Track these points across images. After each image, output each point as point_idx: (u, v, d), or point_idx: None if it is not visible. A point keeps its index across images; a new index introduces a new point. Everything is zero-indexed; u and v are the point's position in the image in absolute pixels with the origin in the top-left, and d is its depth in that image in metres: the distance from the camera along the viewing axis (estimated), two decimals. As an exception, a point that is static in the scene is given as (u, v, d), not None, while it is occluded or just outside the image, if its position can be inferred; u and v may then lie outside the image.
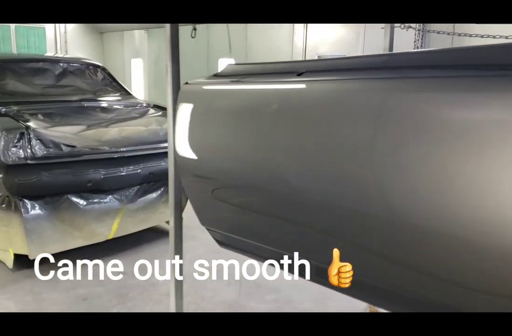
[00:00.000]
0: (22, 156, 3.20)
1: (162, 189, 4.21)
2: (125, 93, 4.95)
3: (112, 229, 3.92)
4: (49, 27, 8.16)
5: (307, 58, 4.93)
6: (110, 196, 3.83)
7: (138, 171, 3.80)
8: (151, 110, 4.40)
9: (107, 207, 3.83)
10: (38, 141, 3.29)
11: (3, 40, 7.77)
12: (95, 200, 3.77)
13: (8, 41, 7.81)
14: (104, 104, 4.34)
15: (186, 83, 1.81)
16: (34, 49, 8.09)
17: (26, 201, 3.44)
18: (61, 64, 4.75)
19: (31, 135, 3.25)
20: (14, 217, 3.52)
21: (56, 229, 3.61)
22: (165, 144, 3.94)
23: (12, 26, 7.65)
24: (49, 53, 8.17)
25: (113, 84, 4.98)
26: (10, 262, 3.61)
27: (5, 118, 3.48)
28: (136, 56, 7.84)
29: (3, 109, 3.72)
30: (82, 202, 3.71)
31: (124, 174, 3.72)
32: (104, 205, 3.82)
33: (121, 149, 3.66)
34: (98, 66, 5.06)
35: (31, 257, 3.53)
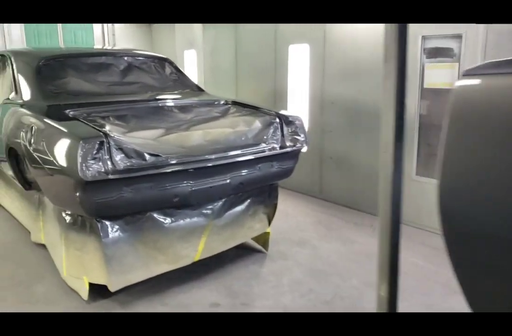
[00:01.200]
0: (103, 170, 2.63)
1: (249, 200, 3.61)
2: (196, 88, 4.35)
3: (198, 250, 3.34)
4: (96, 20, 7.65)
5: (412, 39, 4.22)
6: (195, 211, 3.26)
7: (228, 181, 3.20)
8: (232, 108, 3.79)
9: (193, 224, 3.26)
10: (119, 151, 2.72)
11: (50, 35, 7.34)
12: (180, 217, 3.20)
13: (55, 36, 7.38)
14: (179, 103, 3.74)
15: (468, 74, 1.10)
16: (81, 43, 7.62)
17: (105, 222, 2.90)
18: (125, 58, 4.18)
19: (111, 144, 2.68)
20: (90, 241, 2.97)
21: (138, 253, 3.06)
22: (254, 149, 3.33)
23: (59, 20, 7.16)
24: (100, 45, 7.69)
25: (182, 79, 4.39)
26: (85, 292, 3.07)
27: (76, 123, 2.92)
28: (189, 47, 7.25)
29: (71, 112, 3.17)
30: (166, 219, 3.15)
31: (213, 185, 3.13)
32: (189, 221, 3.25)
33: (211, 156, 3.05)
34: (164, 59, 4.47)
35: (112, 289, 2.98)
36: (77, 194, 2.68)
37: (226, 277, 3.53)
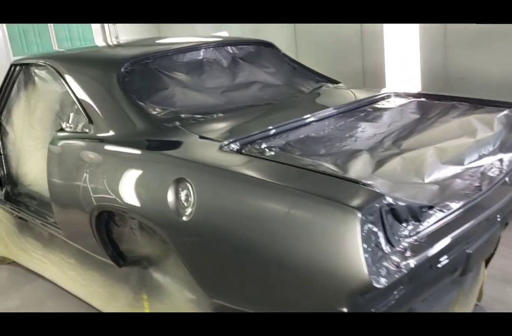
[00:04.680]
0: (393, 264, 1.38)
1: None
2: (325, 80, 3.03)
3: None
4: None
5: None
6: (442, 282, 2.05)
7: (498, 224, 1.98)
8: (422, 102, 2.53)
9: (444, 303, 2.09)
10: (390, 214, 1.47)
11: (39, 33, 5.94)
12: (432, 297, 2.00)
13: (46, 34, 5.96)
14: (347, 108, 2.43)
15: None
16: (79, 40, 6.20)
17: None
18: (228, 48, 2.83)
19: (382, 208, 1.41)
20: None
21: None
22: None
23: (49, 15, 5.70)
24: (101, 40, 6.26)
25: (300, 70, 3.07)
26: None
27: (304, 173, 1.61)
28: (218, 30, 5.87)
29: (231, 146, 1.85)
30: (424, 308, 1.93)
31: (489, 235, 1.91)
32: (441, 301, 2.06)
33: (480, 192, 1.82)
34: (267, 45, 3.14)
35: None
36: (344, 309, 1.41)
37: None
